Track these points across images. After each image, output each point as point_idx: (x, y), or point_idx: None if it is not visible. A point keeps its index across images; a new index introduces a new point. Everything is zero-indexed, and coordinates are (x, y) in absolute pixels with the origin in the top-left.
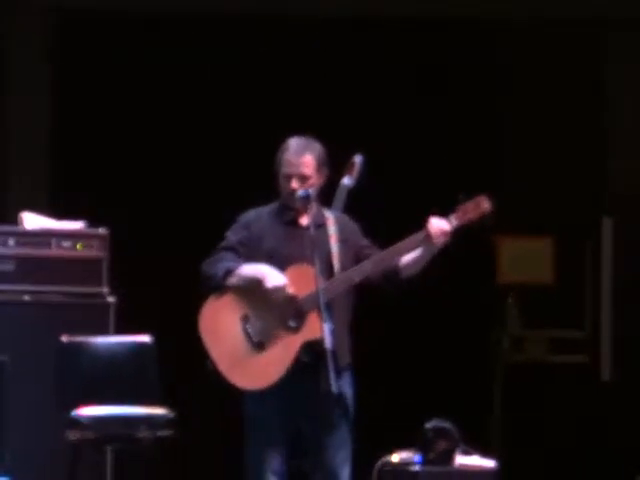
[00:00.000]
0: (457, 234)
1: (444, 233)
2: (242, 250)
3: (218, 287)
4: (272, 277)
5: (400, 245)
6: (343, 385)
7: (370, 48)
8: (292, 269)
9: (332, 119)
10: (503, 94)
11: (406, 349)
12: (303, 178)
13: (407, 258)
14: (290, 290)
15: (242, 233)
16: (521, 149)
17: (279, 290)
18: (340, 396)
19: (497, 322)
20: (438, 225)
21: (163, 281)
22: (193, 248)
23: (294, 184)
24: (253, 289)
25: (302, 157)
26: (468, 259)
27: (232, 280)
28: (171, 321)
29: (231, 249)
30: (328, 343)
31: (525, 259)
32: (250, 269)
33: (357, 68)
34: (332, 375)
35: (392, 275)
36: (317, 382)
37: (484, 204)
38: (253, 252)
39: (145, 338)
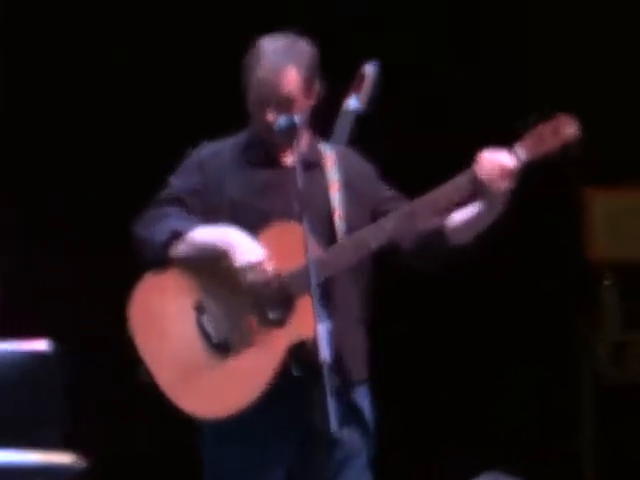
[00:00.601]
0: (527, 177)
1: (505, 173)
2: (192, 202)
3: (159, 258)
4: (243, 247)
5: (436, 193)
6: (357, 397)
7: None
8: (271, 230)
9: (328, 6)
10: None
11: (447, 357)
12: (284, 103)
13: (458, 217)
14: (269, 266)
15: (192, 177)
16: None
17: (254, 267)
18: (358, 410)
19: (587, 319)
20: (493, 160)
21: (69, 255)
22: (117, 203)
23: (270, 115)
24: (212, 263)
25: (282, 72)
26: (544, 222)
27: (180, 248)
28: (82, 317)
29: (176, 201)
30: (325, 354)
31: (631, 224)
32: (208, 234)
33: None
34: (331, 406)
35: (435, 241)
36: (312, 407)
37: (567, 127)
38: (209, 206)
39: (41, 345)
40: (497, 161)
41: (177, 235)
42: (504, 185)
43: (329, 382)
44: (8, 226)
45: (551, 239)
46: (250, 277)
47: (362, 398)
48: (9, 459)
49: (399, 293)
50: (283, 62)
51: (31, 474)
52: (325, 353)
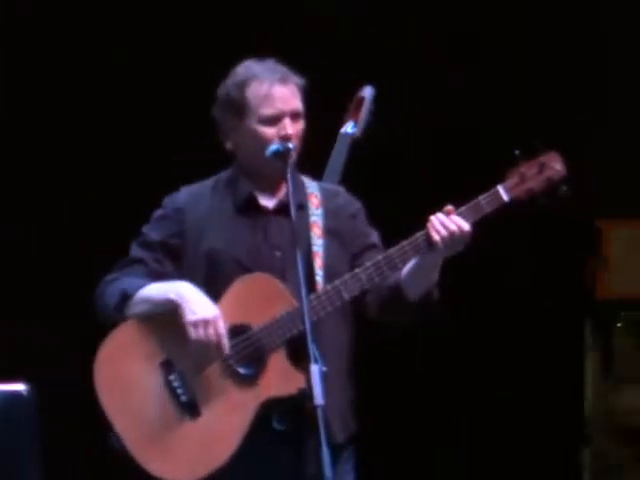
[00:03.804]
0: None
1: (457, 240)
2: (168, 255)
3: (115, 322)
4: (194, 302)
5: (393, 251)
6: (342, 475)
7: None
8: (242, 282)
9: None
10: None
11: (447, 418)
12: (297, 117)
13: (406, 269)
14: (220, 324)
15: (169, 227)
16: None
17: (204, 324)
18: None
19: (597, 365)
20: (443, 229)
21: (43, 297)
22: (93, 250)
23: (290, 126)
24: (174, 319)
25: (289, 84)
26: (551, 259)
27: (136, 308)
28: (56, 357)
29: (148, 248)
30: (319, 397)
31: None
32: (161, 289)
33: None
34: (325, 451)
35: (393, 296)
36: (295, 465)
37: (554, 165)
38: (186, 254)
39: (18, 386)
40: (449, 228)
41: (128, 296)
42: (459, 248)
43: (324, 427)
44: None
45: (559, 279)
46: (198, 334)
47: (347, 478)
48: None
49: (390, 344)
50: (288, 76)
51: None
52: (319, 396)
